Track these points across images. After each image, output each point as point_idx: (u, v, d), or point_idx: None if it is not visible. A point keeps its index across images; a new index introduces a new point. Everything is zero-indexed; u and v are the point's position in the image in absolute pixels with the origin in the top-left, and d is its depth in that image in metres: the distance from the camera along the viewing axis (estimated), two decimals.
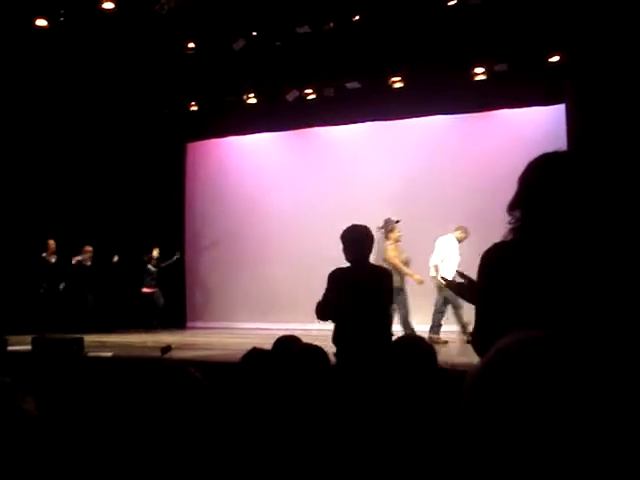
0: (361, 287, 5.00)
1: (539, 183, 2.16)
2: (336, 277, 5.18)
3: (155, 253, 13.82)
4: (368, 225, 5.36)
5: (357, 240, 5.18)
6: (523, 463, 0.83)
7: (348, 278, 5.10)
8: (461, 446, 0.91)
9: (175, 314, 14.32)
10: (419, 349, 2.76)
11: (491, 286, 2.18)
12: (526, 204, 2.18)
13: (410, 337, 2.89)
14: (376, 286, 5.10)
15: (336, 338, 5.14)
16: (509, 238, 2.20)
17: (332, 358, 4.38)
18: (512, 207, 2.21)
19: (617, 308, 2.03)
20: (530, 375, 0.85)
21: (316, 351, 3.17)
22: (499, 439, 0.85)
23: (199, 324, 13.81)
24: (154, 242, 13.87)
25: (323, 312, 5.12)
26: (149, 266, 13.65)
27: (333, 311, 5.10)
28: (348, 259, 5.21)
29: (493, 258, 2.20)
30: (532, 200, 2.17)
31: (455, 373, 5.09)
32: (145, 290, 13.64)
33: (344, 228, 5.27)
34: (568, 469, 0.82)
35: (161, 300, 13.70)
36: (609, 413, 0.82)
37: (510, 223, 2.21)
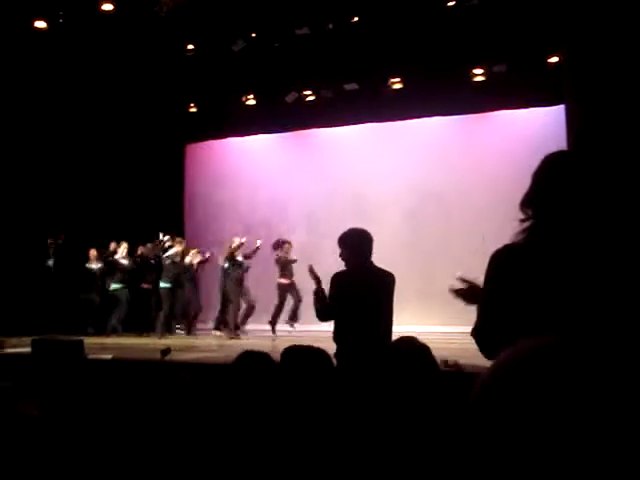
0: (367, 290, 5.04)
1: (551, 181, 2.15)
2: (340, 280, 5.24)
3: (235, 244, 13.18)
4: (369, 226, 5.39)
5: (359, 243, 5.21)
6: (535, 469, 0.82)
7: (354, 281, 5.15)
8: (469, 451, 0.90)
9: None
10: (414, 351, 2.76)
11: (500, 285, 2.16)
12: (538, 201, 2.17)
13: (405, 339, 2.88)
14: (382, 289, 5.14)
15: (338, 338, 5.18)
16: (520, 238, 2.18)
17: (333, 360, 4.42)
18: (524, 204, 2.20)
19: (629, 314, 2.02)
20: (545, 382, 0.84)
21: (317, 352, 3.16)
22: (509, 445, 0.84)
23: (200, 326, 13.75)
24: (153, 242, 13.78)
25: (325, 313, 5.24)
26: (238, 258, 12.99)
27: (336, 313, 5.17)
28: (350, 262, 5.24)
29: (503, 259, 2.18)
30: (544, 197, 2.15)
31: (453, 374, 5.10)
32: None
33: (342, 229, 5.31)
34: (580, 477, 0.81)
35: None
36: (624, 421, 0.82)
37: (521, 221, 2.20)
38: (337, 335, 5.23)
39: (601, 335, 1.89)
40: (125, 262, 12.81)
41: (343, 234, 5.28)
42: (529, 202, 2.18)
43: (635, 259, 2.06)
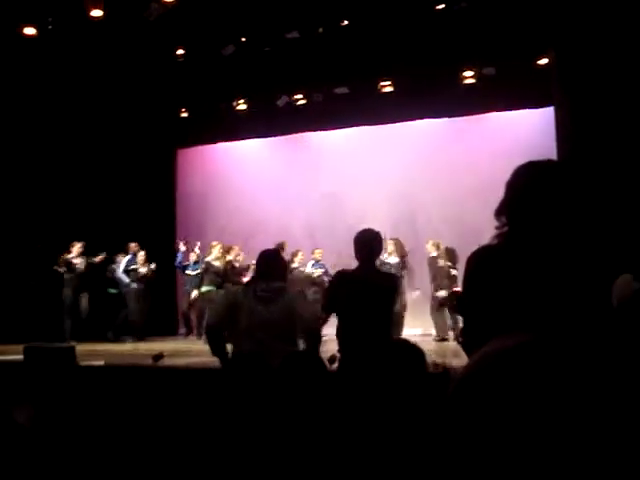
0: (367, 291, 5.09)
1: (524, 190, 2.20)
2: (343, 278, 5.31)
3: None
4: (359, 229, 5.41)
5: (362, 244, 5.25)
6: (507, 468, 0.84)
7: (355, 281, 5.20)
8: (447, 451, 0.91)
9: (166, 321, 14.31)
10: (409, 353, 2.77)
11: (477, 288, 2.20)
12: (511, 210, 2.22)
13: (400, 340, 2.90)
14: (381, 291, 5.19)
15: (340, 335, 5.26)
16: (495, 242, 2.23)
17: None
18: (498, 212, 2.25)
19: (596, 314, 2.05)
20: (508, 384, 0.86)
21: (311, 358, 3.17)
22: (483, 446, 0.86)
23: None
24: (145, 247, 13.78)
25: (328, 307, 5.35)
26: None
27: (338, 307, 5.25)
28: (358, 261, 5.30)
29: (478, 261, 2.23)
30: (517, 206, 2.20)
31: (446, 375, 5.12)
32: None
33: (334, 232, 5.37)
34: (550, 473, 0.82)
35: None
36: (588, 419, 0.83)
37: (497, 228, 2.24)
38: (339, 332, 5.29)
39: (568, 335, 1.91)
40: (218, 264, 12.43)
41: (356, 234, 5.33)
42: (503, 211, 2.23)
43: (602, 261, 2.11)
